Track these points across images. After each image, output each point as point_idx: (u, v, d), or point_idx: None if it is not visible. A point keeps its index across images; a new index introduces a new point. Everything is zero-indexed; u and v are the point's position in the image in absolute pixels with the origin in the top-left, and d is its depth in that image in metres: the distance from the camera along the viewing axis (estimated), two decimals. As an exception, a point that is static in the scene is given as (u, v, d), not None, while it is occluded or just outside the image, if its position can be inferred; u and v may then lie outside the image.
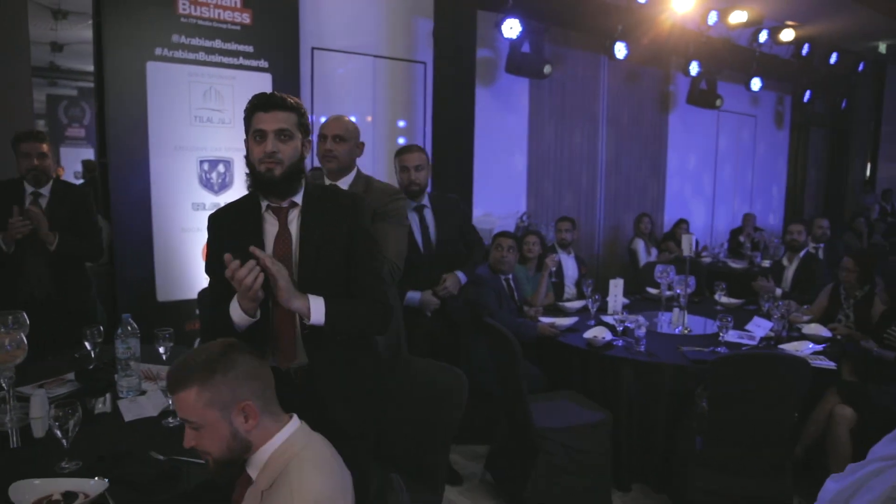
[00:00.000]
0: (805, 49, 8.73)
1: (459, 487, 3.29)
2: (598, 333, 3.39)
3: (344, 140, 2.63)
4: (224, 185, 4.35)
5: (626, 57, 6.37)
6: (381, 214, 2.60)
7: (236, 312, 1.73)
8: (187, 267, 4.18)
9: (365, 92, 5.29)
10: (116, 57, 3.90)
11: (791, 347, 3.19)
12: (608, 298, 3.99)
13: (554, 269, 4.49)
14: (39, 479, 1.54)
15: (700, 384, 2.83)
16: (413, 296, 3.29)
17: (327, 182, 2.69)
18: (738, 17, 7.33)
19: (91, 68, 10.32)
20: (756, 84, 8.11)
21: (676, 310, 3.76)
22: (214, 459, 1.41)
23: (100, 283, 3.83)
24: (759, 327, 3.60)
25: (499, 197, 6.18)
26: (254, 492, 1.43)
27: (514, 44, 5.55)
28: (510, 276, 4.00)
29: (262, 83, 4.40)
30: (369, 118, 5.30)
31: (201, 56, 4.18)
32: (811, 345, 3.28)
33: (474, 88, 5.30)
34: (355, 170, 2.75)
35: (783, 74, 8.88)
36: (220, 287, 1.77)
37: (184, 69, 4.12)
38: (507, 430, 3.19)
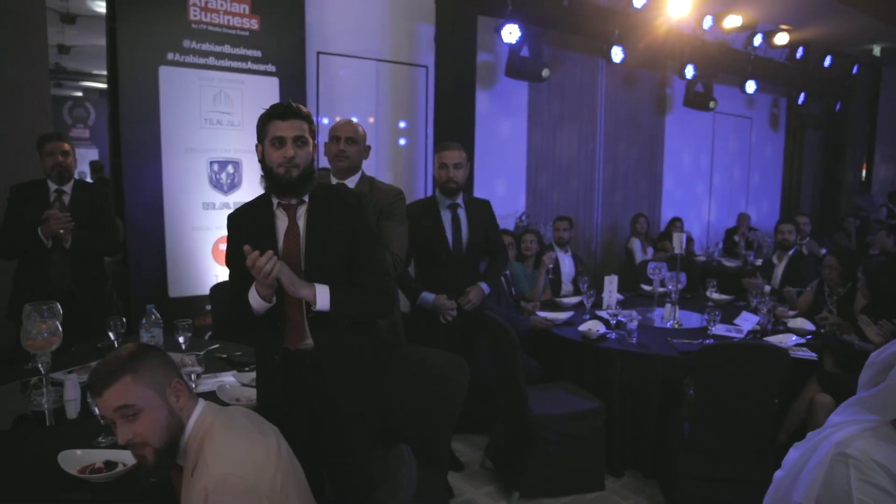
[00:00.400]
0: (799, 52, 8.89)
1: (460, 473, 3.45)
2: (592, 327, 3.56)
3: (355, 142, 2.81)
4: (233, 185, 4.49)
5: (623, 61, 6.51)
6: (387, 213, 2.78)
7: (254, 299, 1.91)
8: (198, 264, 4.33)
9: (368, 95, 5.44)
10: (130, 61, 4.04)
11: (775, 340, 3.35)
12: (603, 294, 4.15)
13: (551, 266, 4.66)
14: (82, 450, 1.70)
15: (689, 374, 2.99)
16: (427, 297, 3.25)
17: (334, 181, 2.86)
18: (732, 21, 7.47)
19: (96, 70, 10.54)
20: (751, 87, 8.26)
21: (668, 305, 3.92)
22: (154, 448, 1.44)
23: (114, 280, 3.98)
24: (747, 321, 3.76)
25: (498, 196, 6.33)
26: (186, 477, 1.48)
27: (513, 48, 5.69)
28: (507, 273, 4.16)
29: (270, 87, 4.56)
30: (371, 119, 5.45)
31: (211, 61, 4.32)
32: (794, 337, 3.45)
33: (475, 92, 5.45)
34: (360, 171, 2.92)
35: (778, 77, 9.02)
36: (239, 279, 1.96)
37: (194, 73, 4.26)
38: (505, 418, 3.34)
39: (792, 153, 11.00)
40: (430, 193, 5.68)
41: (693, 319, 3.98)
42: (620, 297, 4.33)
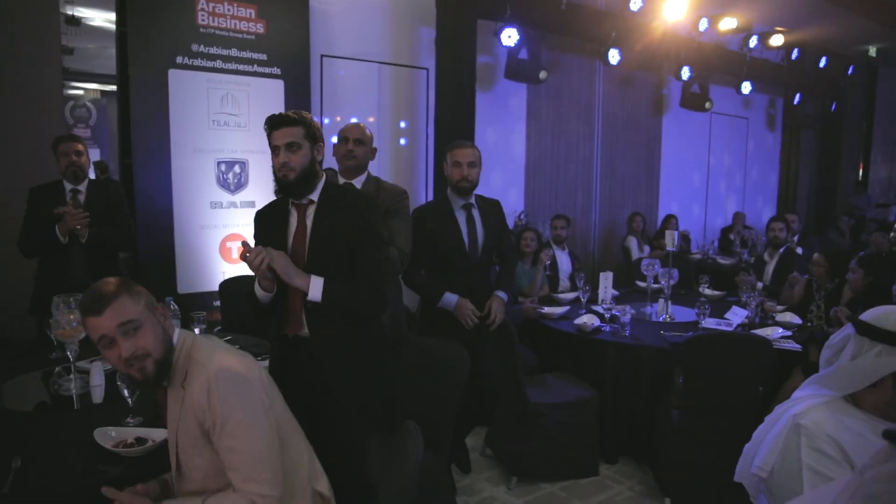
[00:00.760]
0: (795, 53, 9.01)
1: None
2: (587, 320, 3.70)
3: (363, 143, 2.97)
4: (239, 185, 4.63)
5: (620, 62, 6.64)
6: (392, 211, 2.94)
7: (257, 289, 2.11)
8: (206, 261, 4.47)
9: (370, 96, 5.58)
10: (140, 65, 4.18)
11: (762, 332, 3.49)
12: (599, 290, 4.29)
13: (549, 263, 4.81)
14: (114, 427, 1.84)
15: (678, 364, 3.13)
16: (450, 298, 3.10)
17: (341, 180, 3.01)
18: (728, 23, 7.59)
19: (99, 71, 10.63)
20: (746, 87, 8.38)
21: (661, 299, 4.06)
22: (155, 360, 1.57)
23: (127, 275, 4.12)
24: (737, 315, 3.90)
25: (498, 196, 6.40)
26: (174, 394, 1.63)
27: (511, 51, 5.82)
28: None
29: (276, 89, 4.70)
30: (373, 119, 5.58)
31: (219, 64, 4.46)
32: (780, 330, 3.59)
33: (474, 93, 5.58)
34: (367, 171, 3.07)
35: (773, 78, 9.13)
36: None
37: (203, 76, 4.40)
38: (504, 407, 3.48)
39: (789, 153, 11.13)
40: (430, 192, 5.82)
41: (685, 314, 4.12)
42: (615, 292, 4.47)
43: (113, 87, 10.51)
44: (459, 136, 5.43)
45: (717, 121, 9.26)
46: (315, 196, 2.18)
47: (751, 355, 2.86)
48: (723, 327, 3.72)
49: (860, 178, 13.01)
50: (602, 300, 4.16)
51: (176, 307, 2.62)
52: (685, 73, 7.46)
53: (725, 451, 3.01)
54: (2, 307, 3.61)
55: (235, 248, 4.46)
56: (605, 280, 4.25)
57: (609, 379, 3.45)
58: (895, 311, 1.51)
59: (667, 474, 3.15)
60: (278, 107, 4.67)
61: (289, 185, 2.12)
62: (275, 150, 2.13)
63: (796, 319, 3.85)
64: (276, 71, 4.69)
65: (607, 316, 3.79)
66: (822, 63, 9.54)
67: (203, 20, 4.39)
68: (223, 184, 4.55)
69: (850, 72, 10.24)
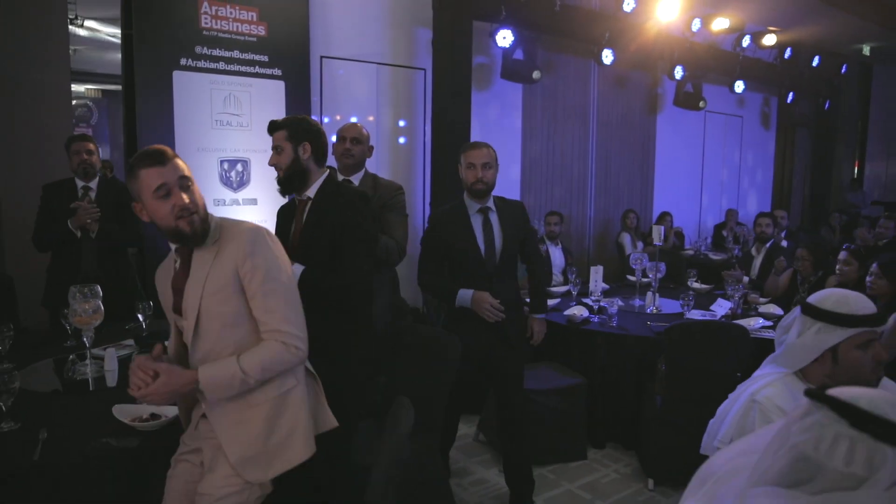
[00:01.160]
0: (788, 52, 9.13)
1: (457, 445, 3.74)
2: (577, 312, 3.85)
3: (359, 142, 3.12)
4: (242, 183, 4.78)
5: (614, 62, 6.76)
6: (389, 206, 3.10)
7: None
8: (210, 257, 4.61)
9: (369, 96, 5.72)
10: (145, 66, 4.33)
11: (744, 322, 3.64)
12: (589, 283, 4.44)
13: (542, 257, 4.95)
14: (131, 404, 2.00)
15: (662, 352, 3.28)
16: (465, 294, 2.94)
17: (340, 178, 3.16)
18: (720, 23, 7.73)
19: (100, 70, 10.77)
20: (739, 87, 8.50)
21: (649, 292, 4.22)
22: (200, 217, 1.75)
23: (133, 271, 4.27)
24: (721, 307, 4.06)
25: (495, 193, 6.58)
26: (203, 254, 1.78)
27: (506, 52, 5.96)
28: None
29: (277, 90, 4.84)
30: (371, 118, 5.72)
31: (221, 66, 4.60)
32: (761, 320, 3.74)
33: (470, 93, 5.71)
34: (364, 168, 3.23)
35: (767, 77, 9.24)
36: None
37: (206, 78, 4.54)
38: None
39: (784, 151, 11.25)
40: (427, 189, 5.96)
41: (672, 306, 4.27)
42: (606, 286, 4.62)
43: (113, 87, 10.71)
44: (456, 136, 5.59)
45: (711, 119, 9.39)
46: (312, 193, 2.35)
47: (729, 343, 3.01)
48: (707, 318, 3.87)
49: (855, 176, 13.16)
50: (592, 293, 4.31)
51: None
52: (678, 72, 7.58)
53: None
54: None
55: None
56: (596, 274, 4.40)
57: (597, 367, 3.61)
58: (834, 293, 1.66)
59: (650, 456, 3.30)
60: (279, 107, 4.82)
61: (279, 182, 2.38)
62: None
63: (778, 311, 4.00)
64: (277, 72, 4.83)
65: (596, 308, 3.94)
66: (816, 62, 9.65)
67: (206, 23, 4.53)
68: (226, 182, 4.70)
69: (843, 70, 10.35)
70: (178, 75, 4.44)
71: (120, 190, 3.72)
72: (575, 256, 6.15)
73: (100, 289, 2.42)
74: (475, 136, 5.87)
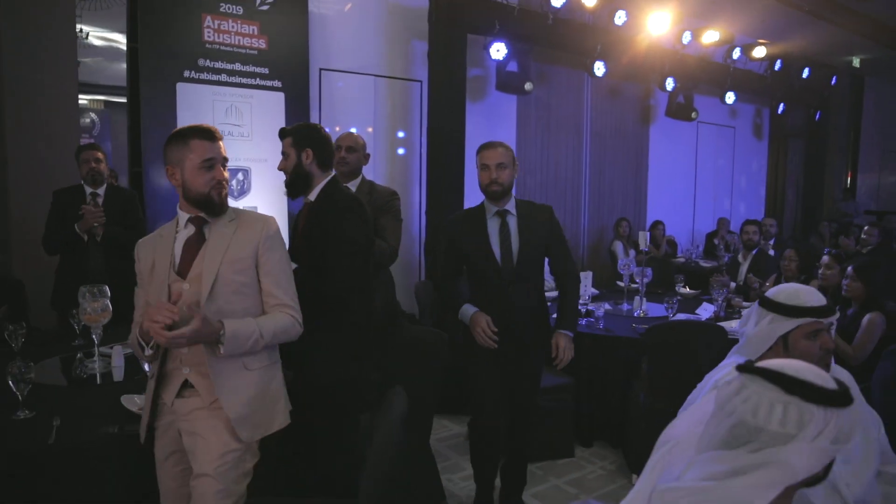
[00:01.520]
0: (778, 64, 9.30)
1: (448, 443, 3.88)
2: (565, 315, 3.98)
3: (354, 150, 3.28)
4: (243, 191, 4.92)
5: (605, 74, 6.92)
6: (384, 210, 3.25)
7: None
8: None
9: (367, 107, 5.88)
10: (150, 78, 4.49)
11: (725, 324, 3.78)
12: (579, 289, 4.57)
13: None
14: (138, 395, 2.13)
15: (646, 352, 3.42)
16: (467, 310, 2.84)
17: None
18: (710, 36, 7.90)
19: (102, 82, 10.95)
20: (730, 98, 8.65)
21: (637, 296, 4.36)
22: (227, 192, 2.01)
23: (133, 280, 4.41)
24: (706, 311, 4.20)
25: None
26: (221, 227, 1.98)
27: (500, 64, 6.13)
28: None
29: (277, 101, 5.00)
30: (370, 129, 5.88)
31: (223, 78, 4.76)
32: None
33: (465, 104, 5.87)
34: (361, 175, 3.38)
35: (758, 88, 9.40)
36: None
37: (208, 89, 4.70)
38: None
39: (776, 161, 11.42)
40: (424, 198, 6.12)
41: (659, 310, 4.40)
42: (595, 291, 4.76)
43: (114, 98, 10.89)
44: (451, 145, 5.73)
45: (704, 130, 9.55)
46: (313, 196, 2.50)
47: (707, 343, 3.15)
48: (691, 319, 4.01)
49: (848, 186, 13.32)
50: (580, 297, 4.44)
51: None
52: (669, 84, 7.75)
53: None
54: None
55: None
56: (585, 279, 4.54)
57: (584, 367, 3.74)
58: (788, 287, 1.81)
59: (634, 452, 3.43)
60: (279, 118, 4.98)
61: (285, 185, 2.56)
62: None
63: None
64: (278, 84, 4.99)
65: (583, 311, 4.08)
66: (806, 74, 9.82)
67: (209, 37, 4.69)
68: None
69: (833, 82, 10.52)
70: (181, 87, 4.60)
71: (126, 196, 3.87)
72: (568, 246, 6.27)
73: (108, 289, 2.56)
74: (470, 147, 6.01)
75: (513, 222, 2.89)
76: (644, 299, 4.34)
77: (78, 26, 8.27)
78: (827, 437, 1.13)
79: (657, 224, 7.83)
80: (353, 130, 5.65)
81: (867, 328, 3.36)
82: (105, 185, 3.77)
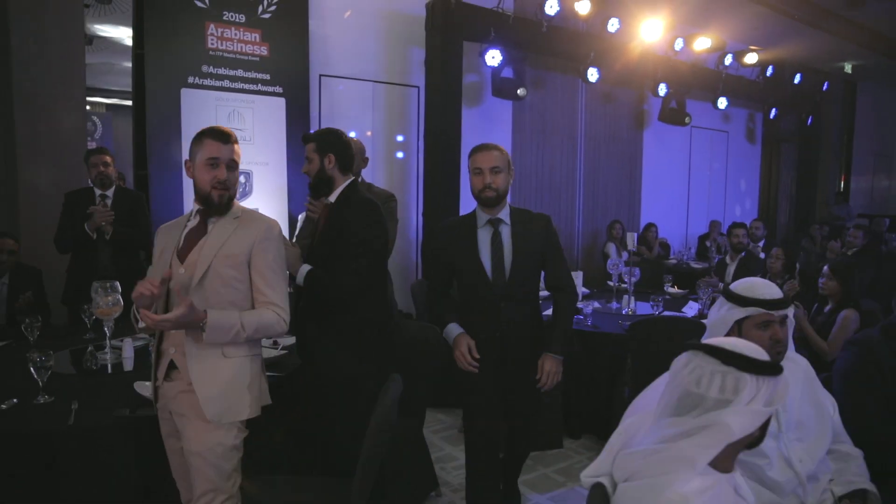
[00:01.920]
0: (769, 70, 9.47)
1: (442, 435, 4.03)
2: (555, 312, 4.14)
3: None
4: (244, 193, 5.07)
5: (599, 80, 7.08)
6: (380, 212, 3.39)
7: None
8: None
9: (365, 112, 6.04)
10: (155, 84, 4.65)
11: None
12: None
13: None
14: (149, 382, 2.29)
15: (630, 347, 3.57)
16: (451, 330, 2.68)
17: None
18: (702, 43, 8.06)
19: (105, 87, 11.11)
20: (722, 103, 8.79)
21: (625, 295, 4.51)
22: (230, 194, 2.15)
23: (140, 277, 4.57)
24: (692, 308, 4.36)
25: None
26: (223, 224, 2.12)
27: (495, 70, 6.29)
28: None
29: (278, 106, 5.16)
30: (369, 133, 6.04)
31: (226, 83, 4.92)
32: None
33: (460, 110, 6.02)
34: (360, 177, 3.54)
35: (750, 94, 9.55)
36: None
37: (211, 95, 4.86)
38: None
39: (770, 165, 11.58)
40: (421, 201, 6.27)
41: (647, 308, 4.56)
42: (586, 290, 4.92)
43: (114, 101, 11.07)
44: (447, 149, 5.88)
45: (697, 134, 9.71)
46: (333, 198, 2.66)
47: (686, 337, 3.29)
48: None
49: (841, 190, 13.48)
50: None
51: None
52: (662, 89, 7.91)
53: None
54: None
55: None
56: (576, 279, 4.68)
57: (573, 363, 3.88)
58: (749, 280, 1.97)
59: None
60: (280, 122, 5.14)
61: (309, 187, 2.71)
62: None
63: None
64: (279, 89, 5.15)
65: (573, 309, 4.23)
66: (798, 79, 9.98)
67: (212, 44, 4.85)
68: (230, 192, 4.99)
69: (825, 87, 10.69)
70: (185, 92, 4.76)
71: (133, 198, 4.03)
72: (566, 259, 6.42)
73: (118, 284, 2.72)
74: (466, 151, 6.14)
75: (506, 232, 2.69)
76: (633, 298, 4.49)
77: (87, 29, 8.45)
78: (759, 401, 1.30)
79: (650, 227, 7.99)
80: (353, 134, 5.82)
81: (842, 325, 3.51)
82: (114, 188, 3.93)
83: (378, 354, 2.64)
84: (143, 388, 2.27)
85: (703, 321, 3.67)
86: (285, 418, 2.47)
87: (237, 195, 2.24)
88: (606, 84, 7.63)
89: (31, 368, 2.18)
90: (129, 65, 4.98)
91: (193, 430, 2.00)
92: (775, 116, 9.97)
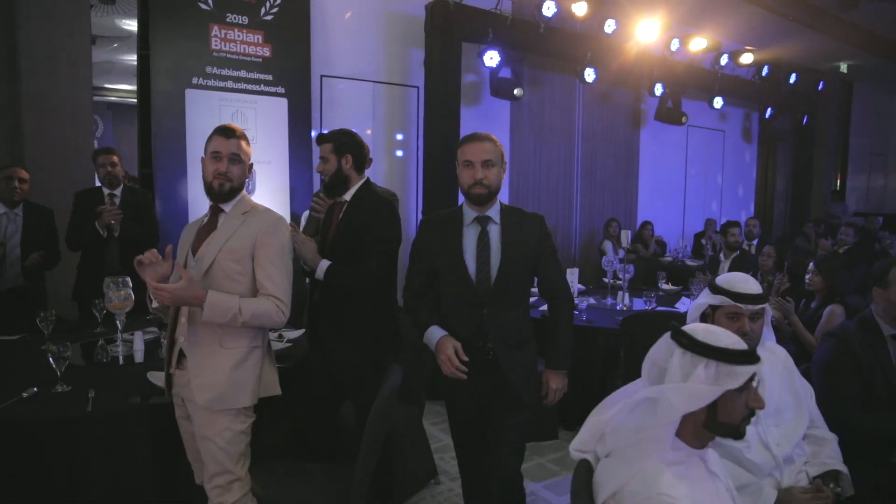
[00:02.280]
0: (765, 70, 9.57)
1: (438, 426, 4.14)
2: (551, 308, 4.26)
3: None
4: (247, 192, 5.17)
5: (596, 80, 7.19)
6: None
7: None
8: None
9: (365, 112, 6.14)
10: (161, 85, 4.75)
11: (700, 316, 4.05)
12: (566, 284, 4.85)
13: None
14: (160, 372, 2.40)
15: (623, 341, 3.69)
16: (434, 333, 2.40)
17: None
18: (698, 43, 8.16)
19: (106, 85, 11.22)
20: (718, 102, 8.89)
21: (620, 291, 4.62)
22: (231, 186, 2.26)
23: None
24: (684, 304, 4.47)
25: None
26: (231, 218, 2.25)
27: (493, 71, 6.40)
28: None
29: (280, 106, 5.26)
30: (369, 131, 6.15)
31: (229, 84, 5.02)
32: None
33: (459, 109, 6.12)
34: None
35: (746, 93, 9.65)
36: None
37: (215, 95, 4.96)
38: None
39: (766, 163, 11.69)
40: (421, 200, 6.38)
41: (641, 304, 4.68)
42: (581, 287, 5.03)
43: (115, 98, 11.19)
44: (446, 148, 5.94)
45: (693, 133, 9.81)
46: (348, 196, 2.76)
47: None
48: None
49: (838, 188, 13.60)
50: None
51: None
52: (658, 89, 8.01)
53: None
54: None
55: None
56: (572, 276, 4.80)
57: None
58: (732, 273, 2.10)
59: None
60: (283, 122, 5.25)
61: (324, 186, 2.81)
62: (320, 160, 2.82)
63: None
64: (281, 90, 5.25)
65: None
66: (793, 79, 10.09)
67: (216, 45, 4.96)
68: (233, 190, 5.09)
69: (820, 87, 10.79)
70: (189, 93, 4.86)
71: (140, 197, 4.14)
72: (561, 263, 6.53)
73: (129, 280, 2.83)
74: (464, 149, 6.25)
75: (494, 232, 2.41)
76: (627, 294, 4.60)
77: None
78: (706, 381, 1.42)
79: (646, 224, 8.11)
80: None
81: (828, 319, 3.63)
82: (121, 187, 4.04)
83: (385, 346, 2.76)
84: (157, 377, 2.38)
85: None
86: (291, 407, 2.57)
87: (244, 189, 2.35)
88: (603, 84, 7.73)
89: (50, 358, 2.30)
90: (128, 63, 5.07)
91: (202, 416, 2.12)
92: (771, 116, 10.07)
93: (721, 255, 5.83)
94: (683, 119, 8.49)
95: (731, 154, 10.74)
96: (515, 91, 6.40)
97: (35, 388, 2.33)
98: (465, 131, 6.23)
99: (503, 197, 7.17)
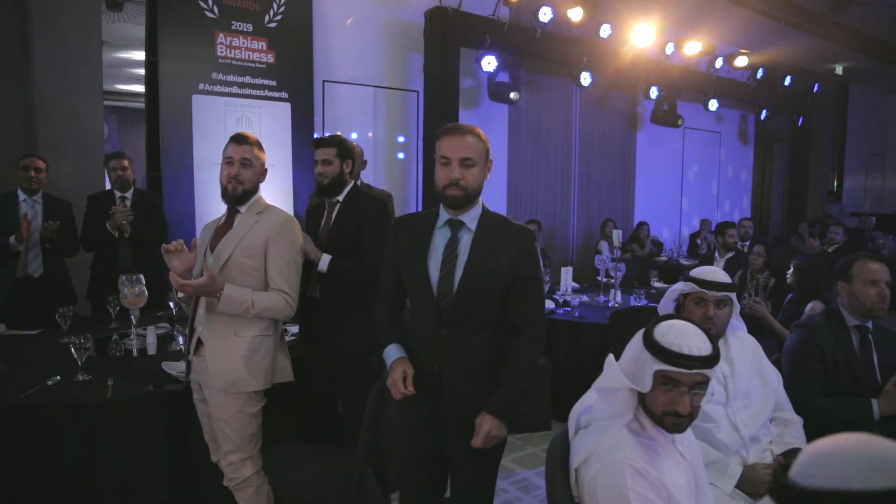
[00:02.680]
0: (760, 73, 9.71)
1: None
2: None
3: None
4: (252, 194, 5.34)
5: (592, 84, 7.34)
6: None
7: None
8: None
9: (367, 116, 6.31)
10: (168, 91, 4.92)
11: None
12: (560, 282, 5.01)
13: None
14: (174, 362, 2.57)
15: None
16: (389, 353, 2.07)
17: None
18: (692, 47, 8.31)
19: (114, 87, 11.41)
20: (713, 105, 9.04)
21: (612, 289, 4.79)
22: (244, 189, 2.40)
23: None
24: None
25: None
26: (246, 218, 2.41)
27: (491, 75, 6.56)
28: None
29: (284, 111, 5.43)
30: (370, 134, 6.32)
31: (235, 90, 5.18)
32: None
33: (458, 113, 6.29)
34: (360, 179, 3.82)
35: (741, 96, 9.79)
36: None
37: (221, 101, 5.12)
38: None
39: (762, 164, 11.83)
40: (420, 200, 6.55)
41: (632, 301, 4.84)
42: (575, 285, 5.19)
43: (122, 103, 11.36)
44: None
45: (690, 135, 9.95)
46: (341, 197, 2.95)
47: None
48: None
49: (834, 189, 13.73)
50: (562, 290, 4.87)
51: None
52: (653, 92, 8.16)
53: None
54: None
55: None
56: (566, 274, 4.98)
57: (561, 351, 4.17)
58: (704, 266, 2.25)
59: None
60: (286, 126, 5.42)
61: (322, 188, 2.95)
62: (315, 163, 2.96)
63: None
64: (284, 95, 5.42)
65: (561, 301, 4.51)
66: (788, 81, 10.22)
67: (222, 52, 5.12)
68: (238, 193, 5.27)
69: (815, 89, 10.92)
70: (196, 98, 5.03)
71: (150, 199, 4.31)
72: (558, 263, 6.70)
73: (143, 277, 3.00)
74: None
75: (466, 239, 2.04)
76: (619, 292, 4.76)
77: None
78: (629, 367, 1.65)
79: (642, 225, 8.26)
80: (354, 136, 6.11)
81: (808, 315, 3.78)
82: (132, 189, 4.21)
83: None
84: (171, 366, 2.55)
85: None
86: (295, 394, 2.74)
87: (258, 191, 2.50)
88: (599, 88, 7.89)
89: (72, 349, 2.47)
90: (135, 64, 5.21)
91: (218, 399, 2.29)
92: (766, 118, 10.21)
93: (716, 254, 5.98)
94: (679, 121, 8.63)
95: (728, 155, 10.88)
96: (511, 95, 6.56)
97: (58, 377, 2.50)
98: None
99: (501, 199, 7.48)
